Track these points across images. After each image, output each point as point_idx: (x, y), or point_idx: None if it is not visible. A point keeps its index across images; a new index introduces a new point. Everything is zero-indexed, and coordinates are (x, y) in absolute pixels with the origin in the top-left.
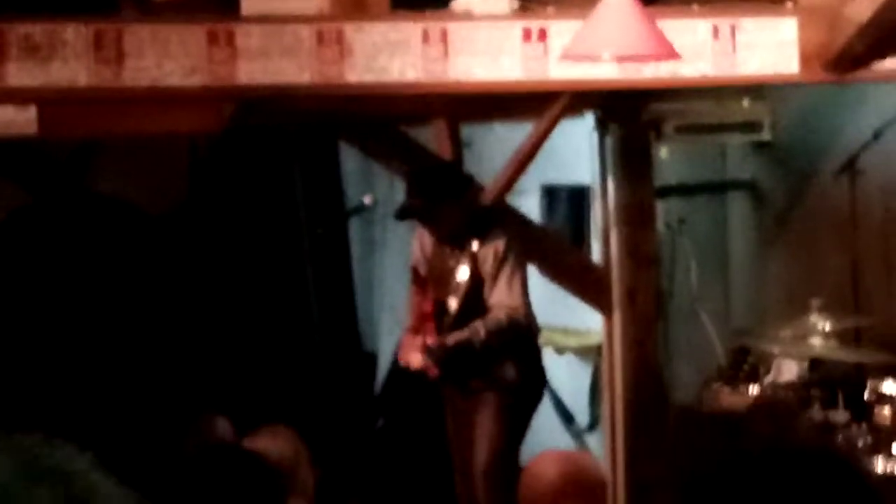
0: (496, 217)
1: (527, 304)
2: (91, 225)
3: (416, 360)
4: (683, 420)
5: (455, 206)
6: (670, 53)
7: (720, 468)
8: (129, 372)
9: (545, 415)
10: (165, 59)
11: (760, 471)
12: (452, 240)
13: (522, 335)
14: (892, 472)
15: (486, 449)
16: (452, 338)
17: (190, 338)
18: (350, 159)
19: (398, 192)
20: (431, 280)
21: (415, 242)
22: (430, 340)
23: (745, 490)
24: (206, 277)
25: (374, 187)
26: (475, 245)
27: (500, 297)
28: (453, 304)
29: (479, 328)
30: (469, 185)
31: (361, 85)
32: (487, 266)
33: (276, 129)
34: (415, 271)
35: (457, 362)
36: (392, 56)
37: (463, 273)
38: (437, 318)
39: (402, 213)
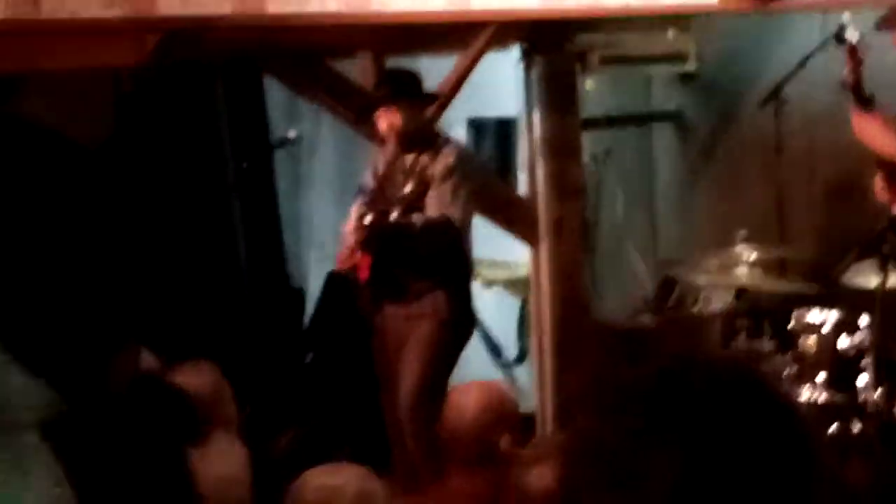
0: (448, 138)
1: (467, 222)
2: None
3: (355, 236)
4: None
5: (417, 107)
6: None
7: (626, 385)
8: (55, 300)
9: (474, 347)
10: None
11: (666, 383)
12: (407, 145)
13: (456, 246)
14: (816, 401)
15: (413, 382)
16: (389, 221)
17: (117, 271)
18: (275, 94)
19: (324, 127)
20: (379, 195)
21: (368, 169)
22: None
23: (653, 403)
24: (133, 212)
25: (299, 122)
26: (426, 158)
27: (441, 205)
28: (395, 213)
29: (417, 219)
30: (433, 99)
31: (282, 16)
32: (435, 176)
33: (200, 63)
34: (361, 191)
35: (391, 255)
36: None
37: (410, 185)
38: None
39: (368, 108)
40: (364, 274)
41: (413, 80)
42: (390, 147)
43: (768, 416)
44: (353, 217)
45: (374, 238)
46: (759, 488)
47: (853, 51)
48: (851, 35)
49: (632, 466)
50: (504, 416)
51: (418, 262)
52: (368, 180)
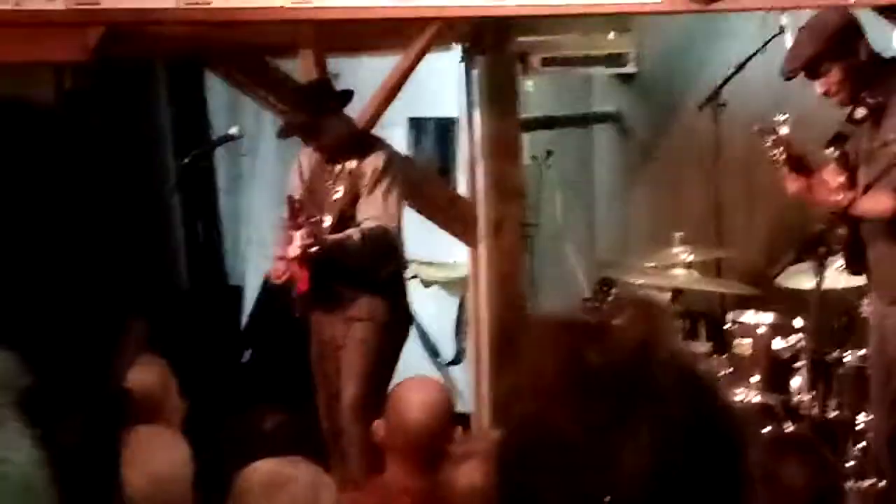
0: (375, 139)
1: (399, 225)
2: None
3: (292, 252)
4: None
5: (336, 119)
6: None
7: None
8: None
9: (410, 348)
10: None
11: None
12: (333, 155)
13: (392, 252)
14: (750, 402)
15: (353, 385)
16: (326, 239)
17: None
18: (217, 91)
19: (265, 125)
20: (309, 201)
21: (293, 170)
22: (299, 258)
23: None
24: (72, 207)
25: (240, 119)
26: (354, 163)
27: (375, 209)
28: (328, 220)
29: (354, 233)
30: (349, 98)
31: (225, 10)
32: (365, 181)
33: (143, 59)
34: (290, 200)
35: (329, 268)
36: None
37: (340, 191)
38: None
39: (285, 131)
40: (303, 287)
41: (326, 90)
42: (315, 154)
43: (720, 411)
44: (285, 234)
45: (310, 255)
46: (706, 480)
47: (786, 143)
48: (781, 130)
49: (594, 455)
50: (446, 413)
51: (356, 272)
52: (295, 183)
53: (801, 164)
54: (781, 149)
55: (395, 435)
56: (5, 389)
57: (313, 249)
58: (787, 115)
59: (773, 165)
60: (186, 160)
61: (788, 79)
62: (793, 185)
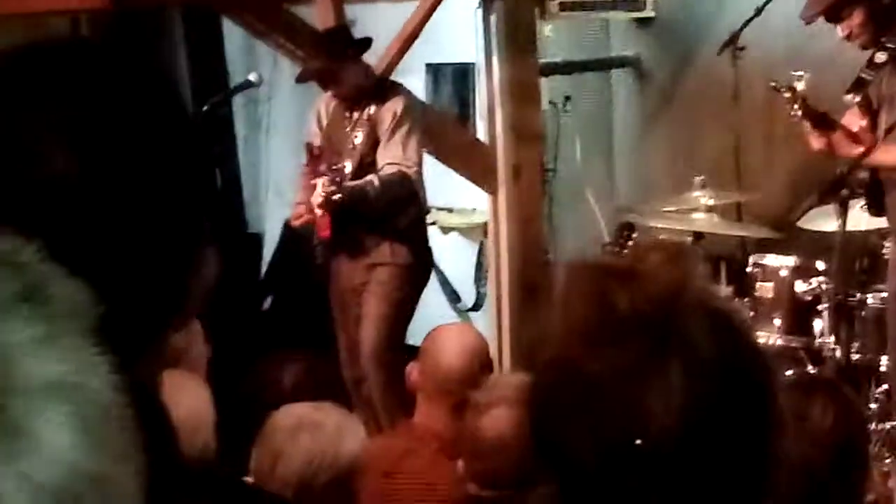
0: (393, 85)
1: (419, 170)
2: None
3: (315, 201)
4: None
5: (355, 66)
6: None
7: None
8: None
9: (431, 294)
10: None
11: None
12: (352, 102)
13: (413, 197)
14: (774, 344)
15: (374, 329)
16: (347, 186)
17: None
18: (233, 38)
19: (283, 72)
20: (328, 148)
21: (311, 117)
22: (322, 205)
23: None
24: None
25: (258, 66)
26: (373, 108)
27: (394, 155)
28: (348, 166)
29: (374, 179)
30: (368, 45)
31: None
32: (385, 126)
33: (160, 7)
34: (308, 147)
35: (350, 214)
36: None
37: (359, 137)
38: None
39: (304, 76)
40: (324, 233)
41: (346, 36)
42: (333, 101)
43: (749, 354)
44: (305, 180)
45: (333, 204)
46: (735, 424)
47: (802, 98)
48: (798, 86)
49: (624, 399)
50: (481, 361)
51: (377, 218)
52: (313, 130)
53: (822, 120)
54: (797, 105)
55: (429, 379)
56: (79, 316)
57: (336, 197)
58: (802, 73)
59: (791, 121)
60: (205, 108)
61: (809, 22)
62: (816, 142)
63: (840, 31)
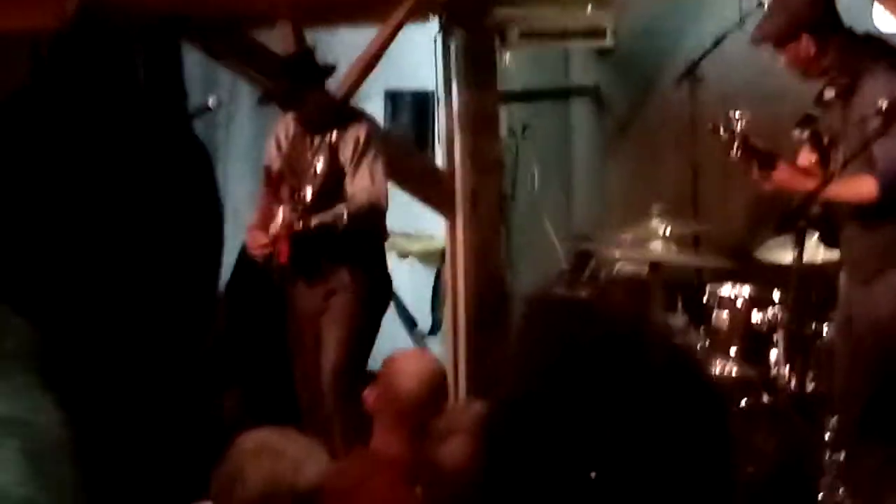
0: (355, 111)
1: (386, 198)
2: None
3: (274, 230)
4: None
5: (318, 91)
6: None
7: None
8: None
9: (388, 319)
10: None
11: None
12: (314, 128)
13: (379, 226)
14: (728, 374)
15: (334, 354)
16: (316, 219)
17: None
18: (193, 62)
19: (242, 96)
20: (288, 173)
21: (270, 140)
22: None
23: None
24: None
25: (217, 90)
26: (335, 134)
27: (363, 183)
28: (308, 193)
29: (343, 213)
30: (332, 71)
31: None
32: (348, 153)
33: (119, 29)
34: (267, 170)
35: (313, 245)
36: None
37: (321, 163)
38: (292, 208)
39: (266, 98)
40: (284, 259)
41: (308, 62)
42: (293, 125)
43: (702, 387)
44: (264, 205)
45: (293, 232)
46: (690, 455)
47: (742, 138)
48: (737, 124)
49: (583, 429)
50: (442, 387)
51: (338, 246)
52: (272, 154)
53: (764, 159)
54: (737, 145)
55: (386, 404)
56: (29, 356)
57: (299, 228)
58: (740, 113)
59: (731, 160)
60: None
61: (758, 44)
62: (767, 184)
63: (783, 57)
